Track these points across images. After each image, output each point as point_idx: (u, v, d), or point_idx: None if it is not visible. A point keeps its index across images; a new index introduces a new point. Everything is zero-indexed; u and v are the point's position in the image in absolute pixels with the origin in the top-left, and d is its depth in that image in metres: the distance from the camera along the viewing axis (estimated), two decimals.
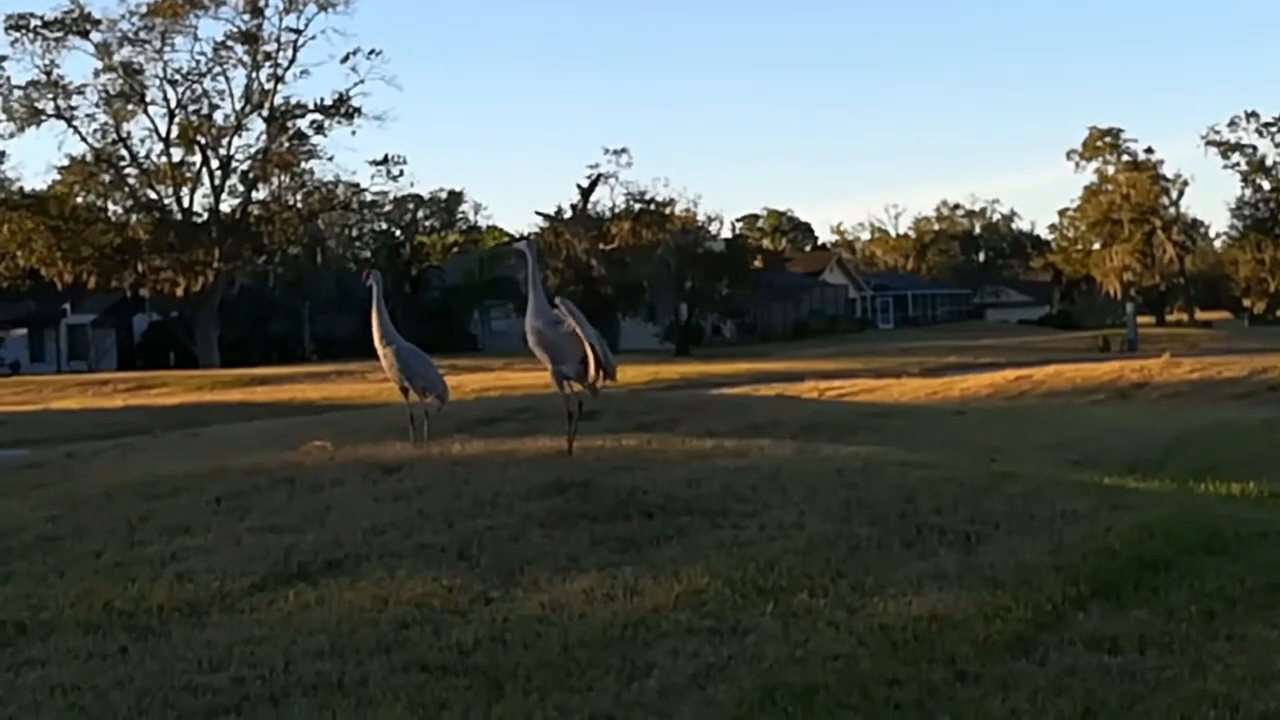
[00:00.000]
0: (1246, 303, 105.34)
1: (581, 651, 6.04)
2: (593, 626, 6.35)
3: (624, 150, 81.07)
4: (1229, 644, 6.31)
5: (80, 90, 71.23)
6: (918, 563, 7.26)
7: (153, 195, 73.10)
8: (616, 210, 74.35)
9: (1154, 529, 8.01)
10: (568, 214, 74.41)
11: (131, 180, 72.76)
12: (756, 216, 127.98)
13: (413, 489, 8.74)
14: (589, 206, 75.11)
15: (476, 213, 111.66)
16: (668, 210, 74.48)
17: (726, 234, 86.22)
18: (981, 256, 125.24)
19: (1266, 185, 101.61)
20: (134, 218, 72.63)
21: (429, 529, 7.87)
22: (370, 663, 6.01)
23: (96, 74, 71.45)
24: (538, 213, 79.91)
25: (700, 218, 79.22)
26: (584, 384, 9.54)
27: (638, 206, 73.93)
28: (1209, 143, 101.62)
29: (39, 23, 69.61)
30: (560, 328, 9.42)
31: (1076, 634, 6.33)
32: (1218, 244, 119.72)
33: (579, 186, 75.40)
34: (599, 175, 75.28)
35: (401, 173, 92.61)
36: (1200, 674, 5.94)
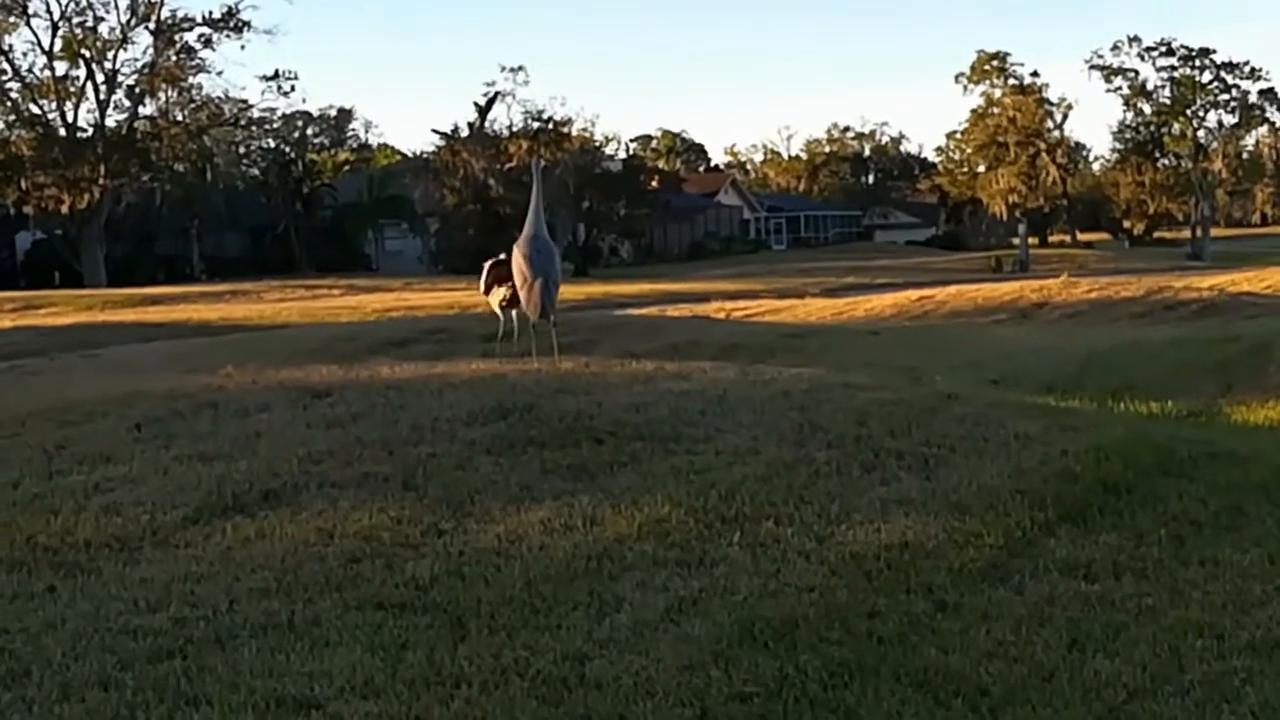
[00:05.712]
0: (1127, 224, 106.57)
1: (545, 586, 5.76)
2: (555, 559, 6.06)
3: (521, 68, 79.92)
4: (1203, 569, 6.21)
5: None
6: (880, 488, 7.07)
7: (35, 110, 70.66)
8: (514, 129, 73.34)
9: (1109, 451, 7.89)
10: (465, 133, 73.26)
11: (13, 95, 70.33)
12: (650, 137, 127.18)
13: (346, 415, 8.33)
14: (486, 125, 73.97)
15: (367, 130, 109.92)
16: (565, 129, 73.57)
17: (623, 155, 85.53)
18: (870, 178, 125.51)
19: (1147, 109, 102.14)
20: (16, 133, 70.23)
21: (369, 457, 7.48)
22: (321, 601, 5.67)
23: None
24: (434, 130, 78.77)
25: (597, 138, 78.52)
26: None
27: (535, 125, 72.91)
28: (1092, 67, 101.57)
29: None
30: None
31: (1050, 561, 6.21)
32: (1096, 167, 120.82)
33: (476, 105, 74.20)
34: (496, 93, 74.11)
35: (293, 88, 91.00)
36: (1180, 601, 5.82)
